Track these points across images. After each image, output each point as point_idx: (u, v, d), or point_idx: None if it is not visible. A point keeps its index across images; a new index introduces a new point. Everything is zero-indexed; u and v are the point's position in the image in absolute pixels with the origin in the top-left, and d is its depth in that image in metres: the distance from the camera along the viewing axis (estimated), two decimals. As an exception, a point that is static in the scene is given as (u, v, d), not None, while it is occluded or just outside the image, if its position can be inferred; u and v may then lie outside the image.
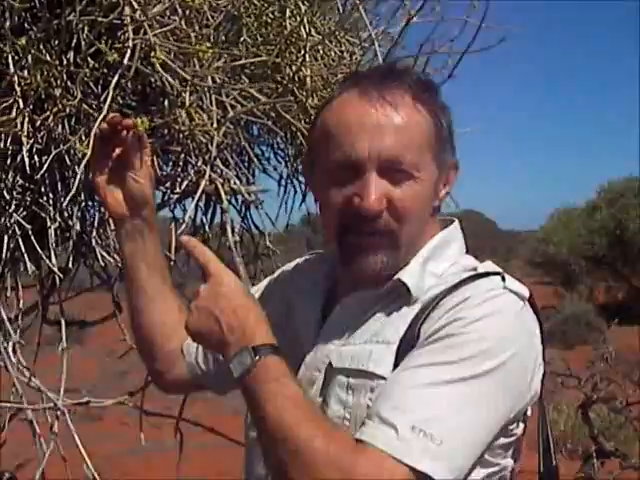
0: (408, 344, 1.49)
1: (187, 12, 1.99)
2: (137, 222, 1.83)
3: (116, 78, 1.85)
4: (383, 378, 1.49)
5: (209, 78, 2.05)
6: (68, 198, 2.09)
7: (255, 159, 2.58)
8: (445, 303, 1.51)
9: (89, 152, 1.79)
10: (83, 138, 2.01)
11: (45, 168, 2.04)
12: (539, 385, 1.57)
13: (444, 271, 1.60)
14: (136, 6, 1.88)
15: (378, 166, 1.54)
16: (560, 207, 23.35)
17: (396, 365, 1.49)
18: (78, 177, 1.96)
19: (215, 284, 1.53)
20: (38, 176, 2.09)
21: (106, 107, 1.83)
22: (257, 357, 1.44)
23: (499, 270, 1.59)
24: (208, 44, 2.01)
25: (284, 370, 1.45)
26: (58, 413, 2.25)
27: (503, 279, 1.54)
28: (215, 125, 2.09)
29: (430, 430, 1.36)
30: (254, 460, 1.66)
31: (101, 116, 1.78)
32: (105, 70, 2.01)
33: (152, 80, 2.03)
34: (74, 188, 1.98)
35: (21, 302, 2.52)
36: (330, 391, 1.56)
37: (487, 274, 1.57)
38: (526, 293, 1.55)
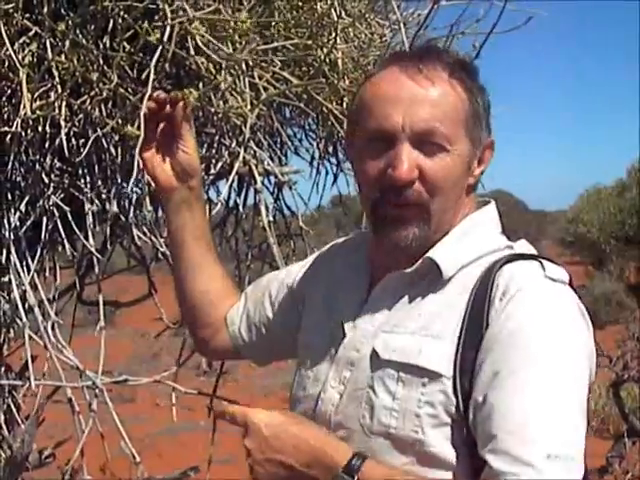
0: (473, 343, 1.49)
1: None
2: (185, 193, 1.88)
3: (156, 57, 1.88)
4: (435, 374, 1.49)
5: (242, 61, 2.07)
6: (104, 176, 2.12)
7: (287, 140, 2.61)
8: (496, 293, 1.50)
9: (141, 135, 1.82)
10: (120, 122, 2.04)
11: (83, 152, 2.07)
12: None
13: (479, 250, 1.60)
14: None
15: (411, 137, 1.55)
16: (590, 187, 23.19)
17: (462, 363, 1.48)
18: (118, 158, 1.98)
19: (255, 432, 1.54)
20: (76, 159, 2.12)
21: (150, 86, 1.85)
22: (355, 476, 1.45)
23: (535, 253, 1.61)
24: (245, 16, 2.02)
25: (382, 468, 1.48)
26: (96, 392, 2.28)
27: (542, 265, 1.54)
28: (249, 107, 2.12)
29: (563, 452, 1.37)
30: None
31: (147, 95, 1.81)
32: (141, 54, 2.04)
33: (187, 63, 2.06)
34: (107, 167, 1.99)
35: (58, 282, 2.57)
36: (377, 380, 1.55)
37: (525, 256, 1.57)
38: (567, 277, 1.55)
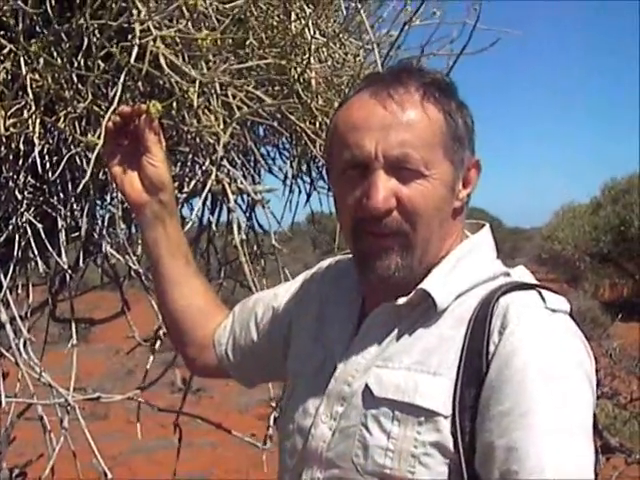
0: (472, 381, 1.44)
1: (194, 16, 2.02)
2: (157, 208, 1.86)
3: (122, 77, 1.89)
4: (432, 412, 1.44)
5: (216, 80, 2.08)
6: (75, 194, 2.12)
7: (261, 159, 2.62)
8: (495, 327, 1.45)
9: (100, 143, 1.82)
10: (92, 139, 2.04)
11: (57, 170, 2.08)
12: None
13: (474, 279, 1.54)
14: (142, 9, 1.91)
15: (385, 165, 1.50)
16: (565, 204, 23.33)
17: (462, 400, 1.43)
18: (87, 176, 1.98)
19: None
20: (49, 176, 2.13)
21: (116, 101, 1.87)
22: None
23: (534, 281, 1.56)
24: (206, 34, 2.03)
25: None
26: (68, 409, 2.28)
27: (541, 296, 1.49)
28: (222, 126, 2.12)
29: None
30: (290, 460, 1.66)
31: (111, 109, 1.82)
32: (115, 72, 2.05)
33: (160, 82, 2.07)
34: (80, 185, 1.99)
35: (31, 300, 2.57)
36: (371, 418, 1.51)
37: (523, 286, 1.52)
38: (567, 306, 1.51)
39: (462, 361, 1.45)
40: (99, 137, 1.81)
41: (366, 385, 1.53)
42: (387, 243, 1.53)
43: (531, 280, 1.57)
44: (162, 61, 1.97)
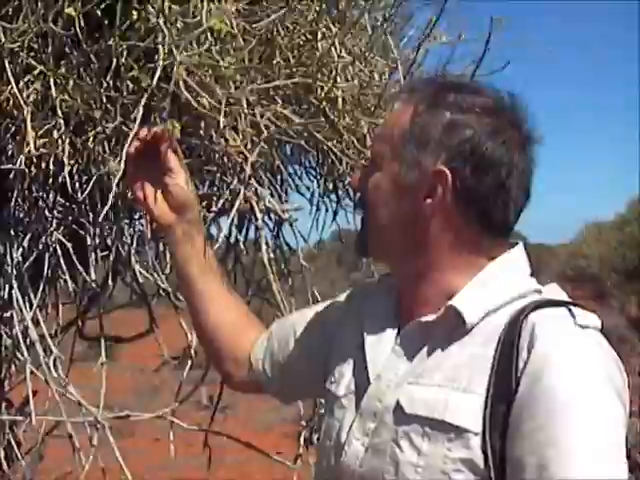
0: (502, 398, 1.43)
1: (218, 39, 2.03)
2: (184, 227, 1.89)
3: (144, 99, 1.91)
4: (462, 429, 1.44)
5: (243, 100, 2.10)
6: (104, 213, 2.14)
7: (288, 178, 2.64)
8: (524, 345, 1.44)
9: (120, 170, 1.85)
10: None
11: (86, 189, 2.09)
12: None
13: (504, 296, 1.54)
14: (166, 32, 1.93)
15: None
16: (590, 220, 23.26)
17: (492, 417, 1.42)
18: (111, 195, 2.00)
19: None
20: (79, 196, 2.14)
21: (136, 126, 1.89)
22: None
23: (565, 298, 1.55)
24: (231, 62, 2.05)
25: None
26: (98, 427, 2.29)
27: (571, 313, 1.48)
28: (249, 146, 2.14)
29: None
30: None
31: (131, 135, 1.84)
32: (143, 93, 2.07)
33: (188, 102, 2.09)
34: (107, 205, 2.01)
35: (60, 318, 2.59)
36: (402, 434, 1.51)
37: (553, 302, 1.51)
38: (598, 323, 1.49)
39: (492, 378, 1.45)
40: (120, 163, 1.83)
41: (397, 402, 1.54)
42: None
43: (562, 297, 1.56)
44: (187, 83, 1.99)
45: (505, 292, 1.55)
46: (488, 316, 1.52)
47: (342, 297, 1.91)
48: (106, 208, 1.99)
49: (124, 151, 1.83)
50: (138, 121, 1.88)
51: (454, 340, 1.53)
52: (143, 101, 1.95)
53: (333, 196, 2.75)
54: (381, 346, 1.65)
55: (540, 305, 1.50)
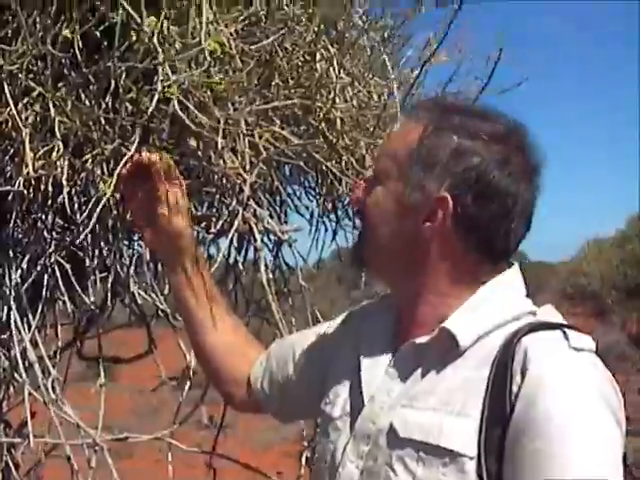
0: (497, 422, 1.41)
1: (214, 59, 2.04)
2: (176, 256, 1.90)
3: (142, 121, 1.91)
4: (457, 454, 1.43)
5: (242, 121, 2.10)
6: (102, 235, 2.14)
7: (287, 198, 2.63)
8: (517, 369, 1.42)
9: (109, 192, 1.86)
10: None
11: (85, 210, 2.09)
12: None
13: (498, 318, 1.53)
14: (161, 52, 1.93)
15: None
16: (590, 237, 23.27)
17: (487, 441, 1.41)
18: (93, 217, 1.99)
19: None
20: (77, 218, 2.14)
21: (133, 149, 1.89)
22: None
23: (560, 320, 1.55)
24: (230, 83, 2.05)
25: None
26: (96, 449, 2.28)
27: (565, 335, 1.46)
28: (248, 167, 2.14)
29: None
30: None
31: (125, 158, 1.85)
32: (142, 114, 2.07)
33: (187, 123, 2.09)
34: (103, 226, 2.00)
35: (59, 338, 2.58)
36: (397, 458, 1.50)
37: (547, 325, 1.50)
38: (593, 345, 1.47)
39: (486, 402, 1.44)
40: (110, 185, 1.84)
41: (391, 425, 1.53)
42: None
43: (557, 319, 1.55)
44: (185, 104, 1.99)
45: (498, 314, 1.54)
46: (482, 339, 1.52)
47: (341, 318, 1.91)
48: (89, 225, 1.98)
49: (116, 173, 1.83)
50: (135, 144, 1.88)
51: (448, 362, 1.52)
52: (141, 122, 1.95)
53: (332, 216, 2.74)
54: (376, 367, 1.64)
55: (534, 328, 1.49)
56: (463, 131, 1.54)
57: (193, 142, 2.12)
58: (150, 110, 1.88)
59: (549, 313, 1.58)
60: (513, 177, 1.53)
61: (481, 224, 1.54)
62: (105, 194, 1.86)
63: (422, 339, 1.56)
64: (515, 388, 1.42)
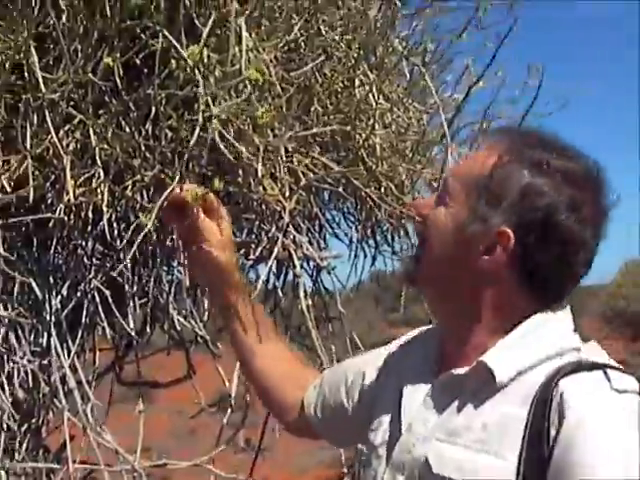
0: (535, 465, 1.38)
1: (255, 88, 2.04)
2: (222, 286, 1.90)
3: (187, 155, 1.90)
4: None
5: (281, 148, 2.10)
6: (142, 261, 2.14)
7: (326, 224, 2.63)
8: (555, 413, 1.39)
9: (149, 224, 1.86)
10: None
11: (124, 237, 2.10)
12: None
13: (539, 354, 1.49)
14: (201, 83, 1.93)
15: None
16: (629, 260, 23.06)
17: None
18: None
19: None
20: (118, 244, 2.15)
21: (175, 183, 1.89)
22: None
23: (605, 359, 1.49)
24: (270, 110, 2.04)
25: None
26: (135, 475, 2.28)
27: (607, 376, 1.42)
28: (287, 193, 2.14)
29: None
30: None
31: (166, 192, 1.85)
32: (181, 141, 2.07)
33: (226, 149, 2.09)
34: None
35: (97, 364, 2.59)
36: None
37: (589, 365, 1.45)
38: (637, 387, 1.43)
39: (525, 444, 1.40)
40: (150, 218, 1.85)
41: (426, 459, 1.51)
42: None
43: (601, 357, 1.50)
44: (229, 130, 2.00)
45: (541, 350, 1.50)
46: (522, 374, 1.48)
47: (390, 345, 1.90)
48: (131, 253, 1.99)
49: (157, 204, 1.83)
50: (178, 175, 1.88)
51: (486, 397, 1.49)
52: (185, 157, 1.95)
53: (371, 242, 2.73)
54: (416, 396, 1.62)
55: (575, 368, 1.45)
56: (537, 167, 1.50)
57: (232, 169, 2.11)
58: (192, 142, 1.87)
59: (593, 350, 1.53)
60: (582, 224, 1.50)
61: (540, 266, 1.51)
62: (146, 225, 1.86)
63: (460, 370, 1.54)
64: (553, 432, 1.38)
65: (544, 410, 1.40)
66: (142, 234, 1.86)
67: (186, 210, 1.86)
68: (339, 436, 1.99)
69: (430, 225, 1.60)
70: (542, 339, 1.52)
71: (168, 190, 1.84)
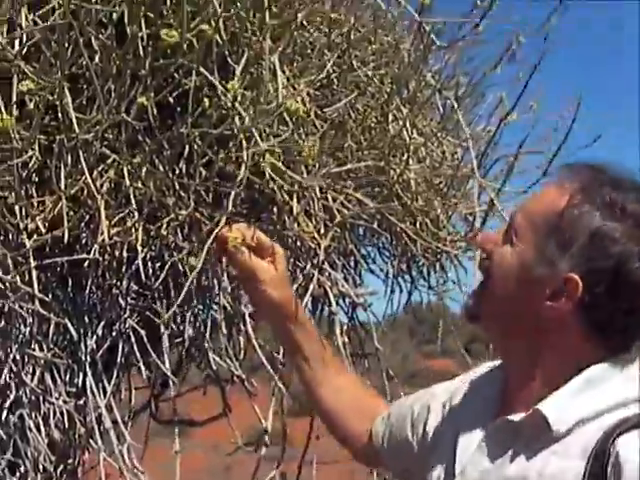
0: None
1: (297, 122, 2.03)
2: (282, 322, 1.89)
3: (233, 194, 1.89)
4: None
5: (316, 185, 2.09)
6: (181, 300, 2.13)
7: (361, 260, 2.62)
8: (612, 471, 1.31)
9: (199, 266, 1.85)
10: (195, 246, 2.07)
11: (159, 275, 2.10)
12: None
13: (599, 404, 1.40)
14: (245, 117, 1.92)
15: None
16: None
17: None
18: (188, 283, 1.99)
19: None
20: (153, 283, 2.14)
21: (222, 223, 1.87)
22: None
23: None
24: (312, 143, 2.03)
25: None
26: (171, 515, 2.27)
27: None
28: (322, 230, 2.13)
29: None
30: None
31: (215, 232, 1.84)
32: (217, 179, 2.07)
33: (262, 188, 2.08)
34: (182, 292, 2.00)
35: (133, 402, 2.58)
36: None
37: None
38: None
39: None
40: (199, 260, 1.84)
41: None
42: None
43: None
44: (265, 165, 1.99)
45: (602, 401, 1.41)
46: (581, 425, 1.40)
47: (458, 378, 1.82)
48: (180, 298, 1.98)
49: (206, 246, 1.83)
50: (223, 222, 1.86)
51: (542, 447, 1.42)
52: (231, 198, 1.93)
53: (407, 276, 2.72)
54: (472, 439, 1.56)
55: (637, 424, 1.36)
56: (609, 210, 1.42)
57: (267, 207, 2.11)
58: (239, 178, 1.86)
59: None
60: None
61: (608, 317, 1.42)
62: (194, 268, 1.86)
63: (515, 417, 1.47)
64: None
65: (602, 465, 1.33)
66: (191, 276, 1.86)
67: (235, 249, 1.84)
68: (402, 468, 1.96)
69: (495, 263, 1.52)
70: (604, 389, 1.42)
71: (215, 231, 1.82)
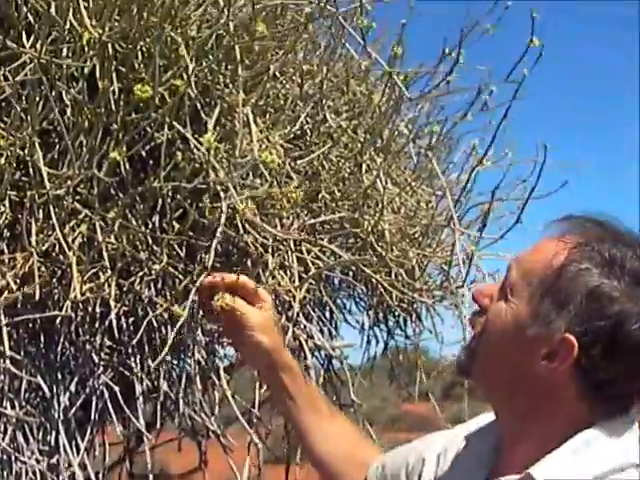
0: None
1: (269, 172, 2.02)
2: (271, 370, 1.86)
3: (215, 243, 1.88)
4: None
5: (291, 239, 2.08)
6: (151, 355, 2.12)
7: (336, 311, 2.60)
8: None
9: (185, 315, 1.84)
10: (168, 298, 2.06)
11: (132, 331, 2.08)
12: None
13: (595, 469, 1.33)
14: (220, 171, 1.91)
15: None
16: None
17: None
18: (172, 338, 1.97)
19: None
20: (126, 338, 2.12)
21: (202, 276, 1.87)
22: None
23: None
24: (294, 188, 2.02)
25: None
26: None
27: None
28: (297, 282, 2.11)
29: None
30: None
31: (198, 282, 1.83)
32: (190, 233, 2.06)
33: (236, 241, 2.07)
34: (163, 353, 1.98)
35: (107, 459, 2.54)
36: None
37: None
38: None
39: None
40: (184, 309, 1.83)
41: None
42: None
43: None
44: (238, 220, 1.98)
45: (596, 466, 1.35)
46: None
47: (452, 430, 1.78)
48: (160, 357, 1.96)
49: (190, 297, 1.81)
50: (202, 277, 1.86)
51: None
52: (213, 248, 1.93)
53: (383, 326, 2.71)
54: None
55: None
56: (608, 268, 1.37)
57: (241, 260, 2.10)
58: (219, 231, 1.86)
59: None
60: None
61: (605, 378, 1.37)
62: (180, 317, 1.85)
63: (505, 477, 1.41)
64: None
65: None
66: (178, 324, 1.84)
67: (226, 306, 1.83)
68: None
69: (489, 319, 1.47)
70: (599, 454, 1.36)
71: (199, 280, 1.81)
